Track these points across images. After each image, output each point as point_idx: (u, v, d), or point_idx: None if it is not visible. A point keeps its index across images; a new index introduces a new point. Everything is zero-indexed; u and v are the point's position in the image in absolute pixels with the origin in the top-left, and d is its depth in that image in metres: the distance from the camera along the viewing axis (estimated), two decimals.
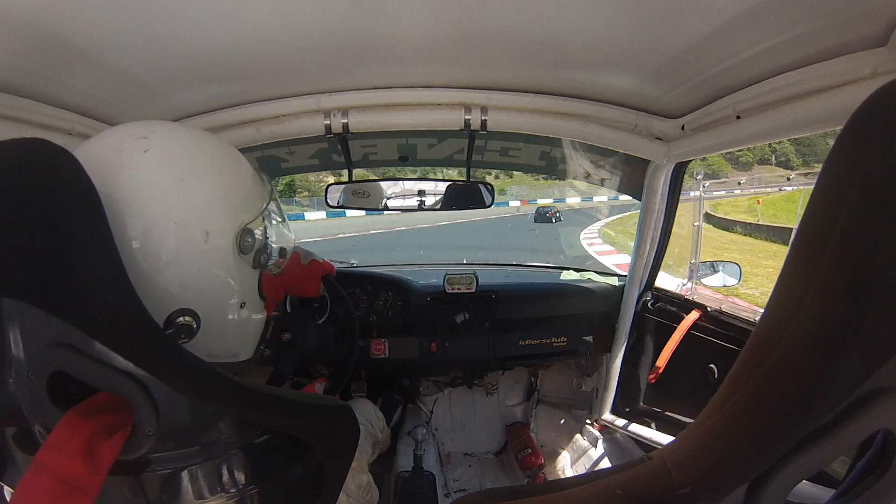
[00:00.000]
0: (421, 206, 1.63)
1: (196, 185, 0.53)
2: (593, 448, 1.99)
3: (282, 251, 0.67)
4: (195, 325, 0.52)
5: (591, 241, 14.41)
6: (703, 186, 2.02)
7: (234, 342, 0.59)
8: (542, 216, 19.46)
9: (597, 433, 1.99)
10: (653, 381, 1.65)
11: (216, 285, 0.54)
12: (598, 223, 18.21)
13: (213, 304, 0.54)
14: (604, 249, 12.39)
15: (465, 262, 2.55)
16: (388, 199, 1.62)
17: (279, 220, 0.66)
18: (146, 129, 0.53)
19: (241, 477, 0.55)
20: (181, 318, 0.51)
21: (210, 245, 0.53)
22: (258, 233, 0.59)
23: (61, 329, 0.47)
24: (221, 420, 0.56)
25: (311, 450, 0.56)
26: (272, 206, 0.63)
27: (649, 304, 1.78)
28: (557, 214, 19.57)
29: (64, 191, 0.41)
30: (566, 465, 2.17)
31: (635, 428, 1.81)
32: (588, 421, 2.09)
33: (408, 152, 1.76)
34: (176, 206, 0.50)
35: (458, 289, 1.85)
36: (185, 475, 0.52)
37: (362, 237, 15.18)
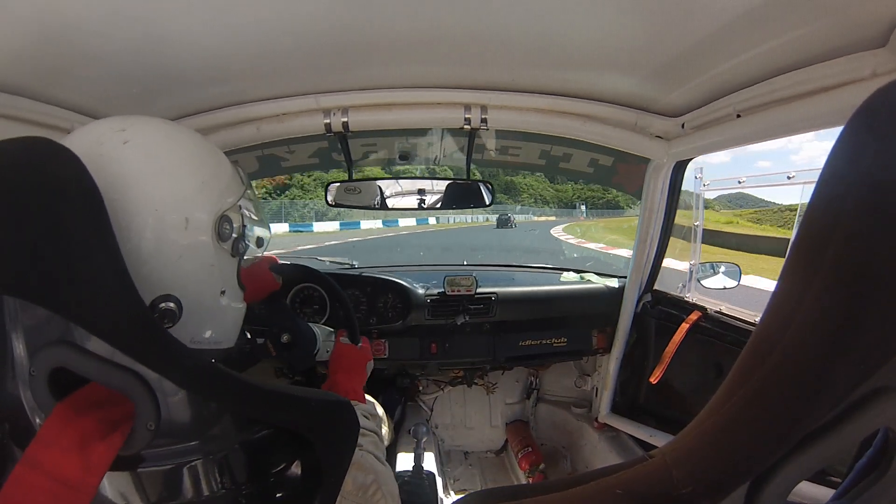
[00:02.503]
0: (421, 206, 1.63)
1: (175, 174, 0.54)
2: (593, 447, 1.99)
3: (259, 241, 0.70)
4: (178, 311, 0.52)
5: (561, 235, 22.12)
6: (703, 185, 2.02)
7: (216, 329, 0.60)
8: (503, 222, 27.55)
9: (596, 432, 1.99)
10: (655, 382, 1.65)
11: (197, 271, 0.56)
12: (559, 225, 29.88)
13: (195, 290, 0.55)
14: (576, 241, 18.88)
15: (465, 263, 2.55)
16: (388, 198, 1.62)
17: (254, 212, 0.68)
18: (123, 122, 0.54)
19: (240, 473, 0.56)
20: (164, 304, 0.51)
21: (190, 232, 0.54)
22: (235, 221, 0.60)
23: (63, 326, 0.47)
24: (221, 415, 0.56)
25: (311, 446, 0.56)
26: (248, 198, 0.65)
27: (649, 306, 1.78)
28: (513, 221, 28.44)
29: (65, 189, 0.41)
30: (566, 464, 2.18)
31: (635, 427, 1.81)
32: (588, 420, 2.10)
33: (408, 150, 1.76)
34: (157, 195, 0.52)
35: (458, 291, 1.85)
36: (184, 471, 0.52)
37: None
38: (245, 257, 0.65)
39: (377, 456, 0.77)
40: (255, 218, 0.68)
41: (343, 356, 1.09)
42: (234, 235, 0.60)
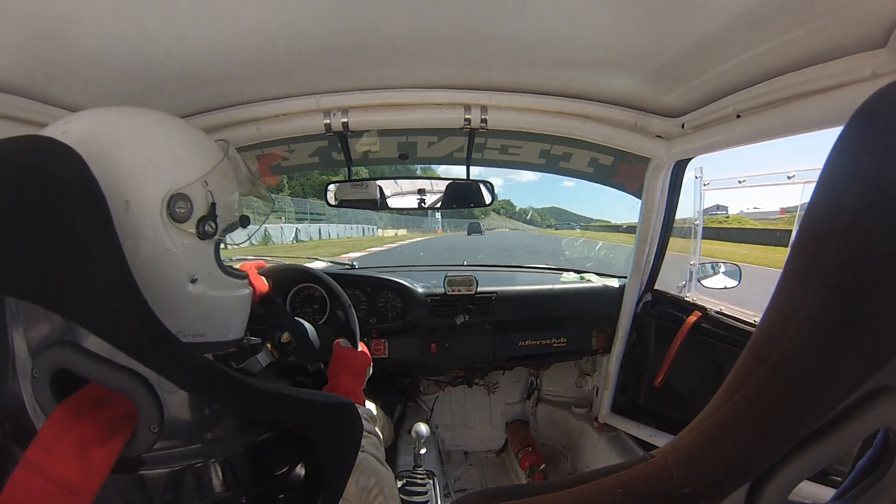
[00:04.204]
0: (421, 205, 1.63)
1: (114, 154, 0.50)
2: (594, 446, 1.99)
3: (243, 219, 0.64)
4: None
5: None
6: (703, 185, 2.02)
7: (193, 320, 0.57)
8: (473, 229, 32.36)
9: (597, 432, 2.00)
10: (659, 384, 1.65)
11: (150, 257, 0.51)
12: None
13: (151, 277, 0.51)
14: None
15: (465, 263, 2.55)
16: (388, 197, 1.62)
17: (234, 188, 0.63)
18: (73, 115, 0.52)
19: (243, 476, 0.56)
20: None
21: (131, 215, 0.50)
22: (197, 199, 0.55)
23: (64, 327, 0.47)
24: (224, 417, 0.56)
25: (314, 448, 0.56)
26: (225, 173, 0.60)
27: (649, 306, 1.78)
28: (483, 227, 32.96)
29: (66, 189, 0.41)
30: (566, 464, 2.18)
31: (635, 426, 1.81)
32: (588, 419, 2.10)
33: (408, 150, 1.76)
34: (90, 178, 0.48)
35: (459, 291, 1.85)
36: (187, 474, 0.52)
37: None
38: (229, 240, 0.62)
39: (378, 458, 0.77)
40: (235, 195, 0.62)
41: (343, 360, 1.10)
42: (197, 215, 0.55)
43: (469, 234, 31.97)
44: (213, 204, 0.57)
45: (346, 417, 0.60)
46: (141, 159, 0.52)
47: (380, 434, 0.88)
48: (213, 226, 0.57)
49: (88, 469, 0.42)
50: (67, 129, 0.50)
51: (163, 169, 0.53)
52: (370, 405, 1.41)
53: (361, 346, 1.20)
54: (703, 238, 1.83)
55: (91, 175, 0.43)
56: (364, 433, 0.82)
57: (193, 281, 0.56)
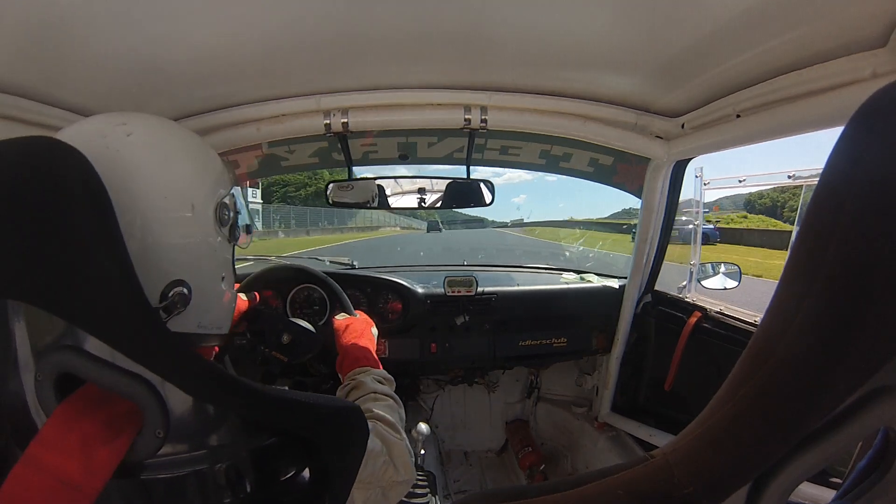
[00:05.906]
0: (421, 205, 1.63)
1: (178, 162, 0.55)
2: (594, 446, 1.99)
3: (247, 228, 0.72)
4: (189, 296, 0.54)
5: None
6: (703, 185, 2.02)
7: (219, 314, 0.61)
8: (432, 226, 32.03)
9: (597, 431, 2.00)
10: (668, 388, 1.64)
11: (203, 256, 0.57)
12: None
13: (202, 274, 0.57)
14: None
15: (465, 263, 2.55)
16: (388, 197, 1.62)
17: (241, 202, 0.71)
18: (123, 117, 0.55)
19: (248, 481, 0.55)
20: (177, 289, 0.52)
21: (196, 216, 0.56)
22: (230, 208, 0.63)
23: (68, 331, 0.47)
24: (229, 422, 0.56)
25: (319, 452, 0.56)
26: (236, 189, 0.67)
27: (649, 307, 1.78)
28: (441, 225, 32.33)
29: (69, 190, 0.41)
30: (567, 464, 2.18)
31: (635, 426, 1.81)
32: (588, 419, 2.10)
33: (408, 150, 1.76)
34: (164, 183, 0.53)
35: (459, 291, 1.85)
36: (191, 479, 0.51)
37: None
38: (238, 244, 0.68)
39: (392, 423, 0.77)
40: (242, 208, 0.70)
41: (345, 328, 1.14)
42: (230, 222, 0.62)
43: (428, 231, 32.11)
44: (237, 213, 0.65)
45: (351, 421, 0.60)
46: (197, 169, 0.58)
47: (397, 397, 0.88)
48: (238, 232, 0.65)
49: (91, 466, 0.42)
50: (131, 132, 0.53)
51: (211, 180, 0.60)
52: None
53: (358, 313, 1.24)
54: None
55: (96, 176, 0.42)
56: (377, 396, 0.83)
57: (223, 278, 0.62)
